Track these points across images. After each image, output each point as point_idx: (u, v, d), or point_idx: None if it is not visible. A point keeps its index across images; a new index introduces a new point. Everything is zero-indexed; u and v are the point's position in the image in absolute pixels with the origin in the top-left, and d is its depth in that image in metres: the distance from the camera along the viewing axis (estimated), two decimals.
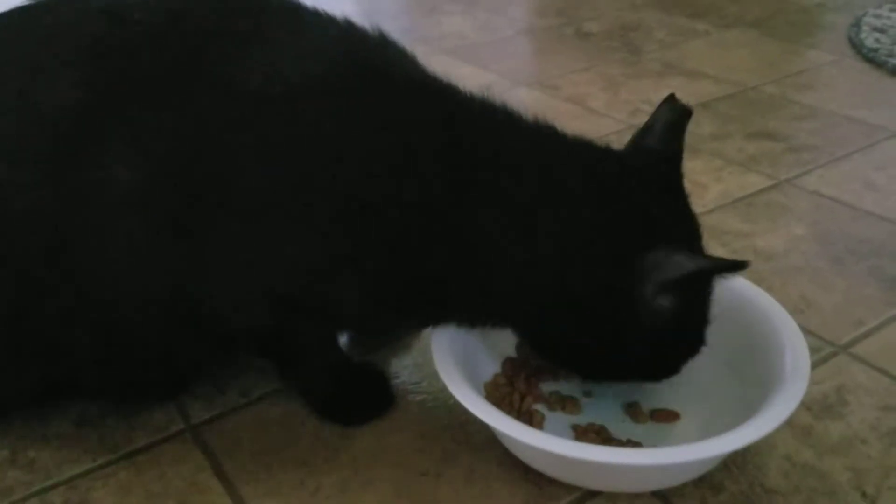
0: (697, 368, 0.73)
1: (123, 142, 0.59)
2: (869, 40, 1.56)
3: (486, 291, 0.63)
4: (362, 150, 0.60)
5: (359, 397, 0.74)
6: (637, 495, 0.64)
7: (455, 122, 0.63)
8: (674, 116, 0.65)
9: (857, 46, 1.55)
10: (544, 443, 0.59)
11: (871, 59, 1.49)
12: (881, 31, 1.61)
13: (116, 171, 0.59)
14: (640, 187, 0.63)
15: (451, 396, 0.63)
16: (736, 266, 0.57)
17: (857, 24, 1.65)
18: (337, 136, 0.60)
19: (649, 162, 0.64)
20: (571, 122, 1.29)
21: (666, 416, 0.70)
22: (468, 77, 1.45)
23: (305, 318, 0.67)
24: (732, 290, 0.73)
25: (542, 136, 0.65)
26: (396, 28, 1.66)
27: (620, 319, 0.61)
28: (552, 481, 0.65)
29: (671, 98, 0.67)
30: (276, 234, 0.60)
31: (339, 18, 0.67)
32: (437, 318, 0.68)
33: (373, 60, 0.64)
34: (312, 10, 0.66)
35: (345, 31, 0.66)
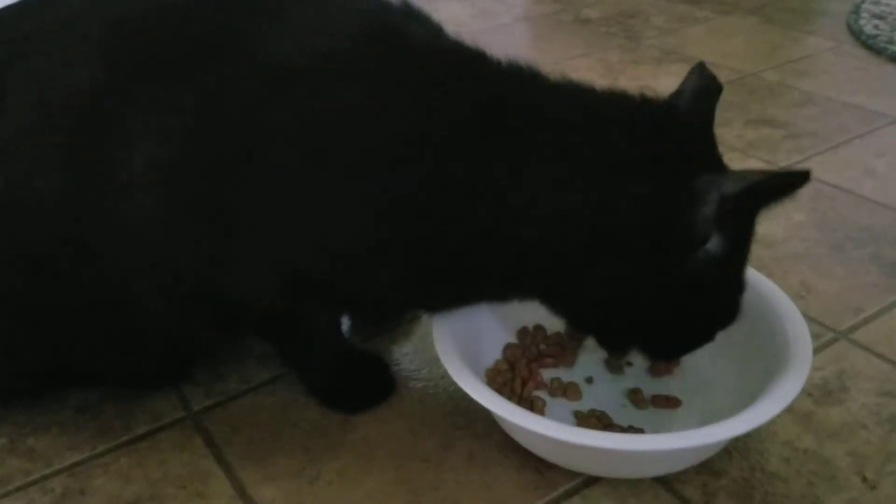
0: (698, 355, 0.74)
1: (145, 119, 0.58)
2: (868, 27, 1.55)
3: (528, 252, 0.60)
4: (390, 123, 0.59)
5: (360, 384, 0.74)
6: (638, 481, 0.64)
7: (486, 86, 0.61)
8: (703, 83, 0.62)
9: (856, 33, 1.55)
10: (547, 428, 0.59)
11: (870, 45, 1.49)
12: (880, 17, 1.60)
13: (138, 149, 0.58)
14: (682, 129, 0.59)
15: (451, 383, 0.63)
16: (798, 177, 0.53)
17: (856, 11, 1.64)
18: (363, 109, 0.59)
19: (685, 114, 0.61)
20: None
21: (667, 403, 0.70)
22: None
23: (319, 299, 0.66)
24: None
25: (573, 89, 0.62)
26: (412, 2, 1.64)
27: (671, 259, 0.57)
28: (553, 467, 0.65)
29: (701, 66, 0.63)
30: (301, 211, 0.59)
31: None
32: (467, 294, 0.66)
33: (398, 32, 0.62)
34: None
35: (370, 3, 0.64)
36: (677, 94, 0.63)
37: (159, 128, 0.58)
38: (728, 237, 0.57)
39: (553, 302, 0.65)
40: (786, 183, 0.54)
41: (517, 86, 0.62)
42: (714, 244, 0.57)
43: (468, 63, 0.63)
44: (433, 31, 0.65)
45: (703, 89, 0.62)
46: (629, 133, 0.59)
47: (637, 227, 0.57)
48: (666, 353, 0.68)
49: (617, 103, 0.61)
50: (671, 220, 0.56)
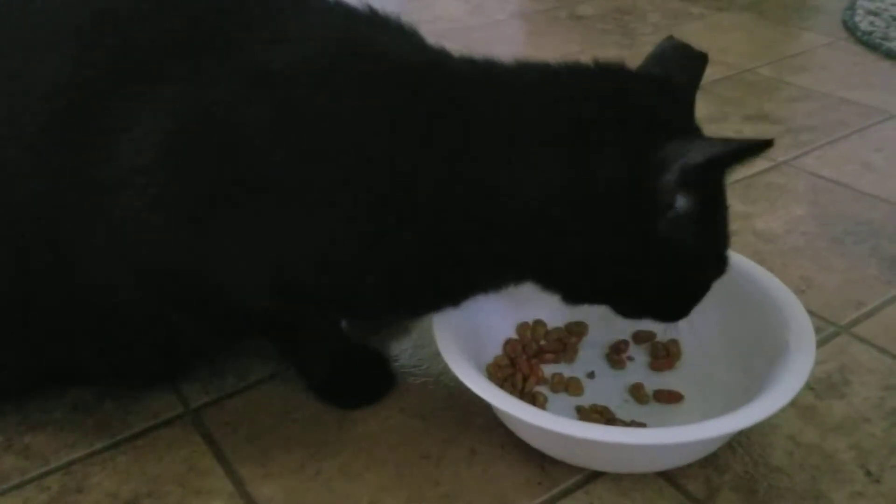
0: (700, 348, 0.73)
1: (124, 118, 0.57)
2: (864, 23, 1.56)
3: (512, 234, 0.60)
4: (360, 127, 0.59)
5: (359, 380, 0.73)
6: (642, 476, 0.63)
7: (449, 85, 0.61)
8: (676, 51, 0.64)
9: (851, 29, 1.55)
10: (551, 423, 0.58)
11: (865, 41, 1.49)
12: (875, 14, 1.60)
13: (119, 149, 0.57)
14: (647, 94, 0.60)
15: (451, 378, 0.63)
16: (760, 146, 0.53)
17: (851, 8, 1.64)
18: (336, 114, 0.59)
19: (661, 81, 0.62)
20: None
21: (669, 397, 0.70)
22: None
23: (310, 303, 0.65)
24: (734, 269, 0.73)
25: (531, 69, 0.63)
26: (389, 11, 1.64)
27: (643, 227, 0.58)
28: (555, 462, 0.64)
29: (669, 38, 0.65)
30: (279, 213, 0.59)
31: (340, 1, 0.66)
32: (457, 291, 0.66)
33: (369, 42, 0.62)
34: None
35: (345, 13, 0.65)
36: (648, 60, 0.65)
37: (140, 127, 0.57)
38: (696, 198, 0.57)
39: (543, 279, 0.64)
40: (749, 151, 0.55)
41: (478, 79, 0.62)
42: (682, 206, 0.57)
43: (431, 66, 0.62)
44: (405, 38, 0.65)
45: (677, 56, 0.64)
46: (591, 103, 0.59)
47: (607, 196, 0.58)
48: (670, 314, 0.66)
49: (576, 75, 0.62)
50: (637, 188, 0.57)
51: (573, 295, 0.65)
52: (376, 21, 0.65)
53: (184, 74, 0.58)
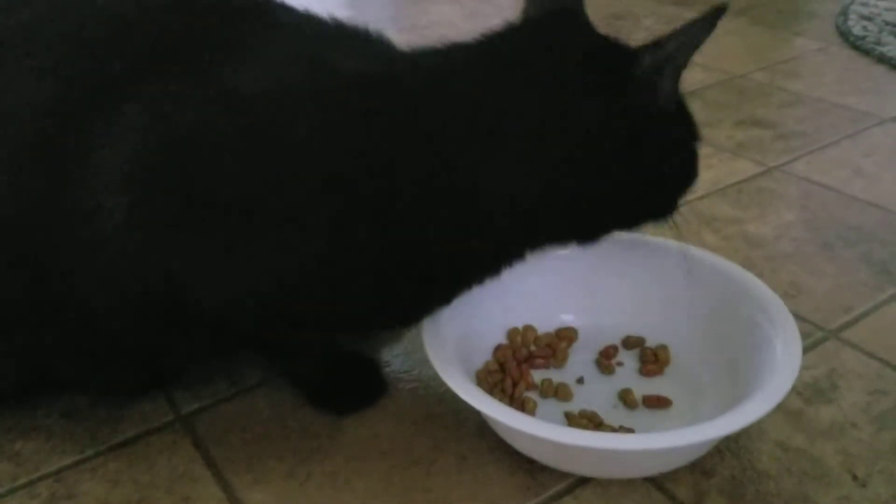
0: (689, 353, 0.74)
1: (96, 140, 0.58)
2: (856, 28, 1.56)
3: (494, 208, 0.61)
4: (324, 148, 0.59)
5: (350, 385, 0.73)
6: (630, 481, 0.64)
7: (410, 97, 0.61)
8: None
9: (844, 34, 1.55)
10: (536, 429, 0.59)
11: (858, 46, 1.50)
12: (868, 18, 1.61)
13: (89, 171, 0.57)
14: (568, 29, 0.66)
15: (442, 384, 0.63)
16: (715, 16, 0.59)
17: (844, 13, 1.65)
18: (300, 135, 0.59)
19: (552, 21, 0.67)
20: None
21: (658, 403, 0.70)
22: None
23: (295, 323, 0.65)
24: (723, 274, 0.73)
25: (469, 50, 0.64)
26: (383, 17, 1.65)
27: (636, 124, 0.62)
28: (544, 468, 0.64)
29: None
30: (248, 236, 0.59)
31: (312, 15, 0.66)
32: (445, 289, 0.66)
33: (335, 61, 0.62)
34: (286, 8, 0.66)
35: (313, 31, 0.65)
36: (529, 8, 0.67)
37: (110, 149, 0.58)
38: (673, 90, 0.63)
39: (553, 235, 0.67)
40: (708, 26, 0.60)
41: (433, 81, 0.63)
42: (665, 101, 0.63)
43: (391, 78, 0.62)
44: (373, 50, 0.66)
45: None
46: (543, 59, 0.63)
47: (600, 122, 0.61)
48: (665, 208, 0.69)
49: (512, 38, 0.65)
50: (630, 98, 0.61)
51: (587, 233, 0.68)
52: (344, 36, 0.66)
53: (153, 96, 0.58)
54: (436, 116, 0.60)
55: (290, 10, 0.67)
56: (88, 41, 0.61)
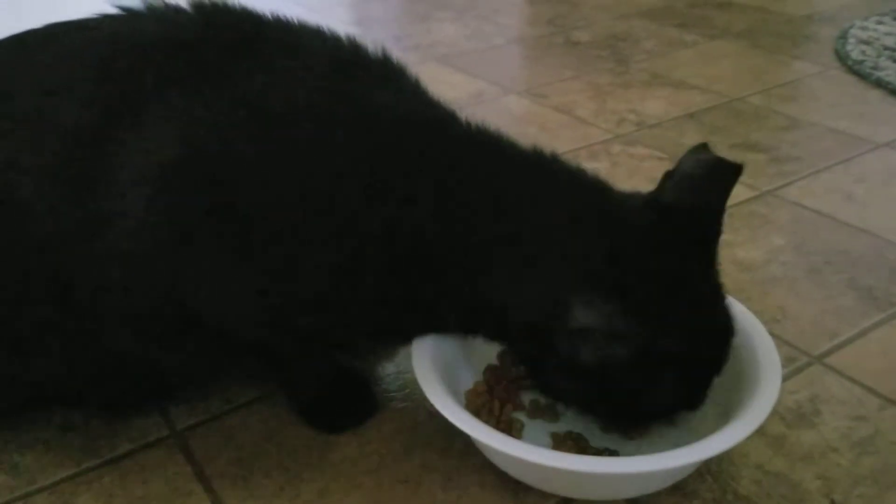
0: None
1: (122, 154, 0.60)
2: (855, 52, 1.58)
3: (476, 310, 0.64)
4: (342, 180, 0.61)
5: (343, 403, 0.75)
6: (612, 502, 0.65)
7: (440, 156, 0.63)
8: (706, 171, 0.63)
9: (842, 58, 1.57)
10: (519, 451, 0.60)
11: (856, 71, 1.51)
12: (867, 43, 1.63)
13: (115, 184, 0.60)
14: (619, 233, 0.62)
15: (432, 404, 0.64)
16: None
17: (843, 36, 1.67)
18: (319, 160, 0.61)
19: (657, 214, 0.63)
20: (559, 130, 1.32)
21: None
22: (458, 85, 1.46)
23: (298, 338, 0.67)
24: None
25: (528, 167, 0.65)
26: (387, 35, 1.68)
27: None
28: (529, 489, 0.66)
29: (704, 147, 0.64)
30: (261, 251, 0.61)
31: (338, 39, 0.68)
32: (440, 320, 0.68)
33: (356, 91, 0.65)
34: (311, 32, 0.68)
35: (334, 57, 0.67)
36: (669, 177, 0.63)
37: (135, 161, 0.60)
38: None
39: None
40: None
41: (478, 155, 0.64)
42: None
43: (426, 134, 0.64)
44: (407, 90, 0.67)
45: (703, 174, 0.62)
46: (587, 231, 0.61)
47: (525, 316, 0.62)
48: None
49: (568, 192, 0.63)
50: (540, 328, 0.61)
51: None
52: (364, 66, 0.67)
53: (180, 111, 0.61)
54: (472, 200, 0.62)
55: (314, 32, 0.68)
56: (128, 59, 0.63)
